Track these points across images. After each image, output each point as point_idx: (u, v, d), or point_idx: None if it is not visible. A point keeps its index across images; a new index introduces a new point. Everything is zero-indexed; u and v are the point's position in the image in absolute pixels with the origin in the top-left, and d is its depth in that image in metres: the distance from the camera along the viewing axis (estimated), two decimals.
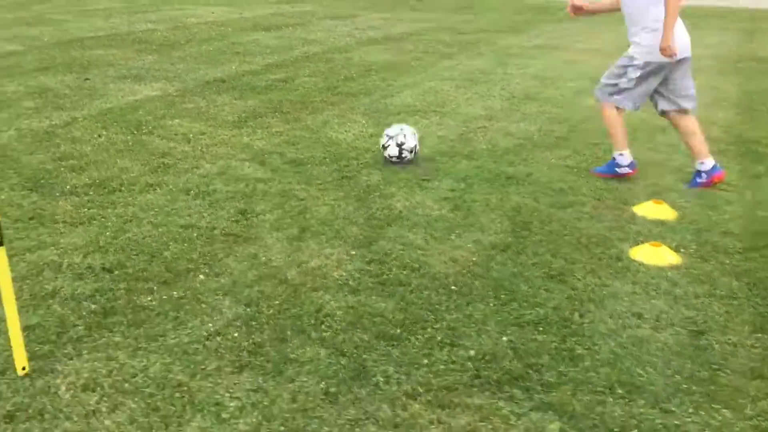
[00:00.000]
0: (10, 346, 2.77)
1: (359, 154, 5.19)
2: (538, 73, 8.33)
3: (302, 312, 3.08)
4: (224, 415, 2.45)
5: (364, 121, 6.04)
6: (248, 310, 3.10)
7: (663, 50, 4.25)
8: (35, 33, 10.38)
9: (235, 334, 2.91)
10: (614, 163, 4.73)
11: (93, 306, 3.10)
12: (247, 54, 9.12)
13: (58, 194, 4.35)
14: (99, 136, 5.52)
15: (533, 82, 7.81)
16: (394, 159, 4.91)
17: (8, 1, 14.71)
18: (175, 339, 2.88)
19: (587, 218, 4.14)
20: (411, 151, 4.91)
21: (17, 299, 3.10)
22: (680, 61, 4.42)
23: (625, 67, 4.49)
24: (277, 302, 3.15)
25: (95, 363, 2.71)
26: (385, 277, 3.39)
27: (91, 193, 4.36)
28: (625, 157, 4.70)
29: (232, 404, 2.50)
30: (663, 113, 4.69)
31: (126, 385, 2.59)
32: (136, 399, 2.52)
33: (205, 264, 3.50)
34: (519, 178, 4.73)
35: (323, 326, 2.97)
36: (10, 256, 3.52)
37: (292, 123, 5.99)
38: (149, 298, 3.18)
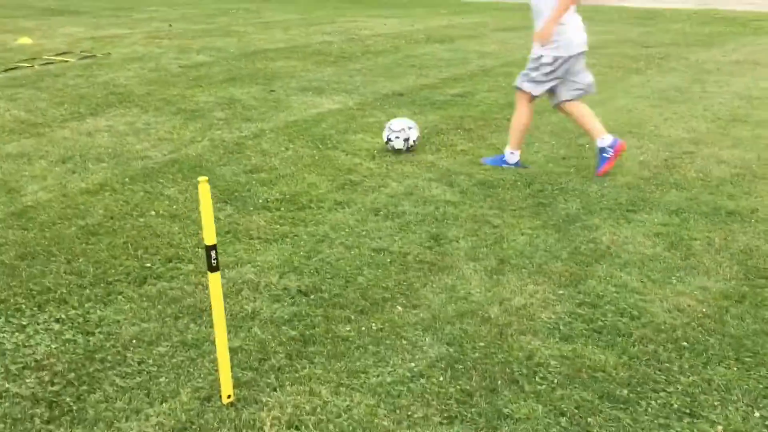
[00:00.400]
0: (215, 371, 2.73)
1: (553, 177, 4.84)
2: (743, 92, 7.53)
3: (511, 358, 2.80)
4: None
5: (553, 142, 5.67)
6: (451, 350, 2.86)
7: (539, 37, 4.63)
8: (221, 44, 10.90)
9: (440, 378, 2.68)
10: (502, 159, 5.10)
11: (292, 332, 3.00)
12: (423, 67, 9.01)
13: (251, 208, 4.37)
14: (286, 149, 5.56)
15: (739, 102, 7.06)
16: (399, 149, 5.39)
17: (194, 13, 15.70)
18: (377, 377, 2.69)
19: None
20: (415, 142, 5.42)
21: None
22: (580, 54, 4.74)
23: (538, 64, 4.77)
24: (482, 344, 2.89)
25: (298, 397, 2.58)
26: (600, 323, 3.04)
27: (282, 208, 4.34)
28: (515, 155, 5.05)
29: None
30: (557, 105, 4.95)
31: (330, 426, 2.43)
32: None
33: (401, 294, 3.31)
34: (743, 215, 4.18)
35: (537, 378, 2.67)
36: (225, 269, 3.54)
37: (476, 141, 5.74)
38: (347, 328, 3.03)
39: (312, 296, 3.31)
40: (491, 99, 7.22)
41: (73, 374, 2.74)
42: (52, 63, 9.16)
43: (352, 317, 3.12)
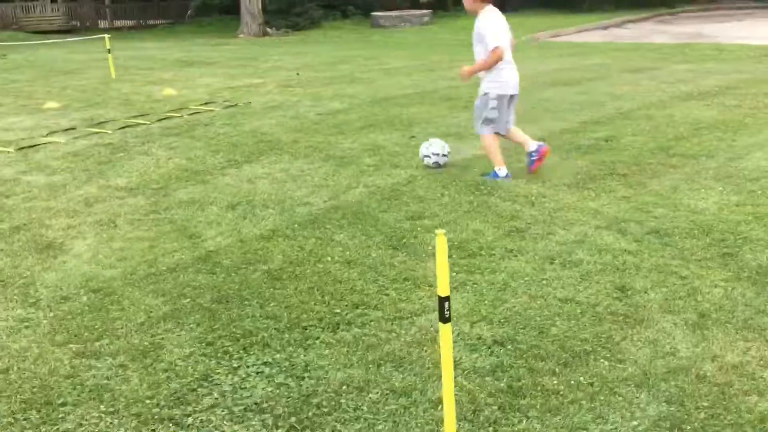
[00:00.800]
0: (432, 420, 2.74)
1: (731, 226, 4.64)
2: None
3: (742, 420, 2.66)
4: None
5: (720, 188, 5.46)
6: (672, 409, 2.76)
7: (462, 73, 5.92)
8: (352, 91, 11.23)
9: None
10: (495, 174, 5.96)
11: (499, 384, 2.98)
12: (557, 111, 8.94)
13: (423, 255, 4.42)
14: (441, 195, 5.61)
15: None
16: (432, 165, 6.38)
17: (316, 62, 16.28)
18: None
19: None
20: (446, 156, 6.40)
21: (421, 370, 3.10)
22: (513, 95, 5.99)
23: (485, 102, 5.91)
24: (705, 404, 2.77)
25: None
26: None
27: (453, 255, 4.36)
28: (503, 170, 5.95)
29: None
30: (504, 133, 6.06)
31: None
32: None
33: (601, 347, 3.24)
34: None
35: None
36: (398, 319, 3.60)
37: (636, 187, 5.60)
38: (555, 381, 2.98)
39: (509, 346, 3.28)
40: (639, 143, 7.06)
41: (294, 419, 2.82)
42: (198, 113, 9.70)
43: (557, 370, 3.07)
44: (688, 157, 6.43)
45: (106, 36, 14.32)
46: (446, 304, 2.46)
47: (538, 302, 3.70)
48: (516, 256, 4.34)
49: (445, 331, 2.48)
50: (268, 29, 26.97)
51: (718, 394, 2.83)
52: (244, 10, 26.87)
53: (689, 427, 2.64)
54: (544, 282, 3.95)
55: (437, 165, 6.35)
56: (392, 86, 11.67)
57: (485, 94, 5.89)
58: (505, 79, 5.86)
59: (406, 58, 16.44)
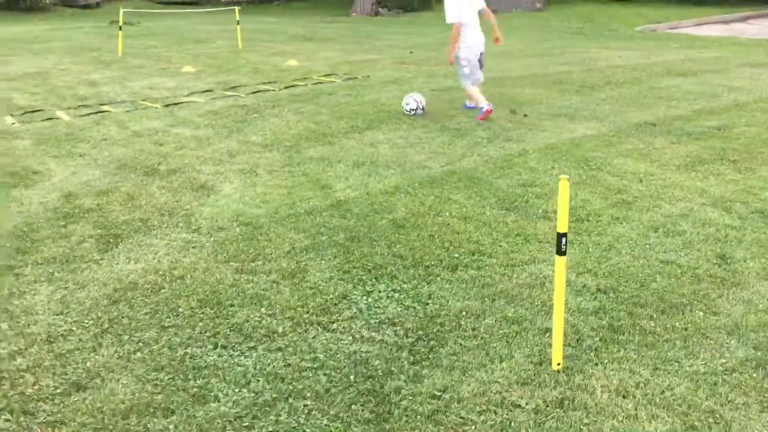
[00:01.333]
0: (541, 343, 3.19)
1: None
2: None
3: None
4: None
5: None
6: (758, 354, 3.09)
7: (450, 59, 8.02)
8: None
9: (754, 375, 2.93)
10: (481, 109, 7.76)
11: (600, 322, 3.39)
12: (671, 99, 9.03)
13: (533, 216, 4.83)
14: (552, 167, 5.98)
15: None
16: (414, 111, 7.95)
17: (427, 42, 16.69)
18: (691, 367, 3.00)
19: None
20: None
21: (531, 304, 3.55)
22: (479, 55, 7.88)
23: (459, 63, 7.91)
24: None
25: (620, 373, 2.96)
26: None
27: None
28: (484, 102, 7.78)
29: None
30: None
31: (657, 399, 2.78)
32: (670, 413, 2.69)
33: (697, 301, 3.58)
34: None
35: None
36: (511, 266, 4.04)
37: (745, 173, 5.78)
38: (652, 324, 3.36)
39: (611, 294, 3.67)
40: (752, 132, 7.14)
41: (421, 332, 3.34)
42: (321, 83, 10.37)
43: (654, 315, 3.44)
44: None
45: (236, 8, 15.27)
46: (563, 239, 2.89)
47: (641, 261, 4.06)
48: (621, 223, 4.68)
49: (560, 263, 2.91)
50: (380, 9, 27.57)
51: None
52: None
53: None
54: (648, 246, 4.29)
55: (413, 112, 7.92)
56: (504, 68, 11.97)
57: (457, 57, 7.82)
58: (469, 44, 7.74)
59: (517, 42, 16.61)
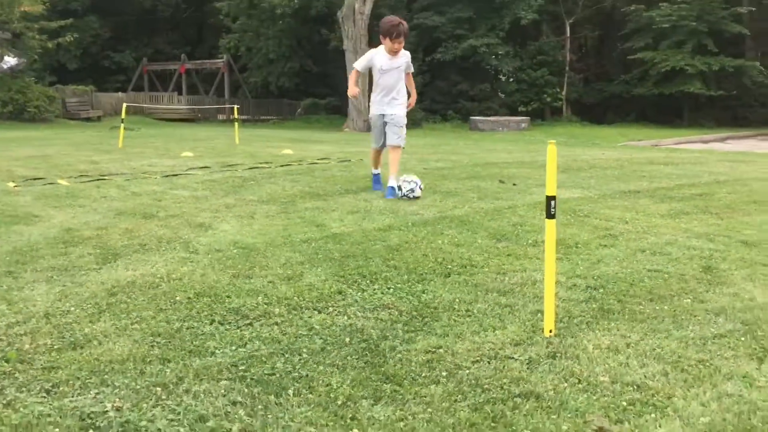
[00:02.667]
0: (528, 322, 3.25)
1: None
2: None
3: None
4: (757, 384, 2.53)
5: None
6: (746, 327, 3.16)
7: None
8: (455, 158, 12.07)
9: (742, 339, 2.99)
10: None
11: (591, 306, 3.47)
12: (653, 178, 9.38)
13: (524, 244, 4.96)
14: (541, 213, 6.16)
15: None
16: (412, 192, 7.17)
17: (420, 143, 17.34)
18: (679, 333, 3.06)
19: None
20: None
21: (522, 296, 3.63)
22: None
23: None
24: None
25: (611, 338, 3.02)
26: None
27: None
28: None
29: (761, 378, 2.58)
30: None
31: (647, 353, 2.83)
32: (660, 362, 2.73)
33: (685, 294, 3.67)
34: None
35: None
36: (502, 273, 4.14)
37: (727, 219, 5.98)
38: (641, 307, 3.44)
39: (601, 290, 3.76)
40: (733, 198, 7.41)
41: (415, 312, 3.40)
42: (316, 163, 10.73)
43: (643, 303, 3.52)
44: None
45: (236, 107, 15.96)
46: (552, 203, 3.04)
47: (629, 270, 4.17)
48: (609, 248, 4.82)
49: (550, 225, 3.04)
50: None
51: None
52: (351, 107, 28.78)
53: (761, 333, 3.03)
54: (635, 261, 4.41)
55: (411, 193, 7.10)
56: (492, 158, 12.44)
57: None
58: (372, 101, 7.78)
59: (504, 146, 17.30)
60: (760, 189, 8.10)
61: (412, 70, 7.78)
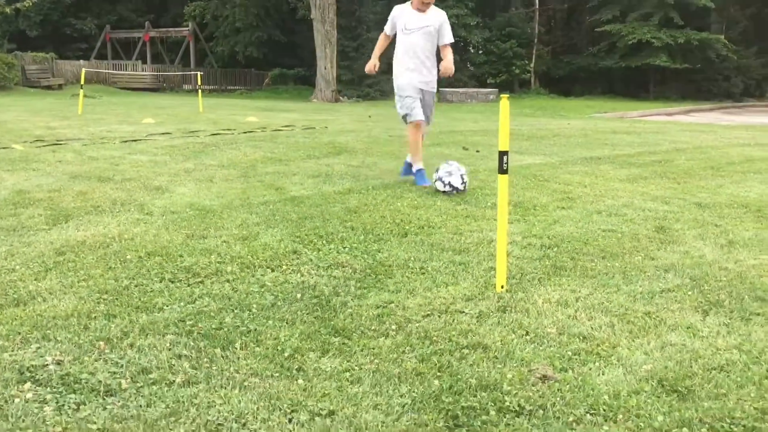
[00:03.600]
0: (481, 278, 3.26)
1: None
2: None
3: (755, 287, 3.09)
4: (700, 334, 2.57)
5: (766, 186, 5.88)
6: (694, 282, 3.20)
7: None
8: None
9: (690, 293, 3.03)
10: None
11: (544, 263, 3.48)
12: (615, 145, 9.46)
13: (483, 206, 4.97)
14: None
15: None
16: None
17: (388, 113, 17.25)
18: (629, 287, 3.09)
19: None
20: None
21: (477, 254, 3.63)
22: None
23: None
24: (724, 279, 3.21)
25: (561, 292, 3.04)
26: None
27: (511, 212, 4.87)
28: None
29: (705, 329, 2.62)
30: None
31: (595, 306, 2.85)
32: (608, 315, 2.76)
33: (637, 252, 3.71)
34: None
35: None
36: (459, 233, 4.15)
37: (684, 184, 6.06)
38: (593, 264, 3.47)
39: (554, 249, 3.78)
40: (691, 164, 7.51)
41: (369, 270, 3.38)
42: (280, 130, 10.60)
43: (595, 260, 3.55)
44: (737, 172, 6.85)
45: (199, 73, 15.66)
46: (504, 158, 3.03)
47: (584, 229, 4.20)
48: (566, 210, 4.85)
49: (503, 180, 3.03)
50: (340, 96, 28.43)
51: (736, 275, 3.27)
52: (319, 77, 28.42)
53: (708, 287, 3.08)
54: (591, 222, 4.44)
55: (453, 189, 5.40)
56: (459, 126, 12.43)
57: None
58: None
59: (473, 116, 17.29)
60: (718, 156, 8.22)
61: (450, 39, 5.78)
